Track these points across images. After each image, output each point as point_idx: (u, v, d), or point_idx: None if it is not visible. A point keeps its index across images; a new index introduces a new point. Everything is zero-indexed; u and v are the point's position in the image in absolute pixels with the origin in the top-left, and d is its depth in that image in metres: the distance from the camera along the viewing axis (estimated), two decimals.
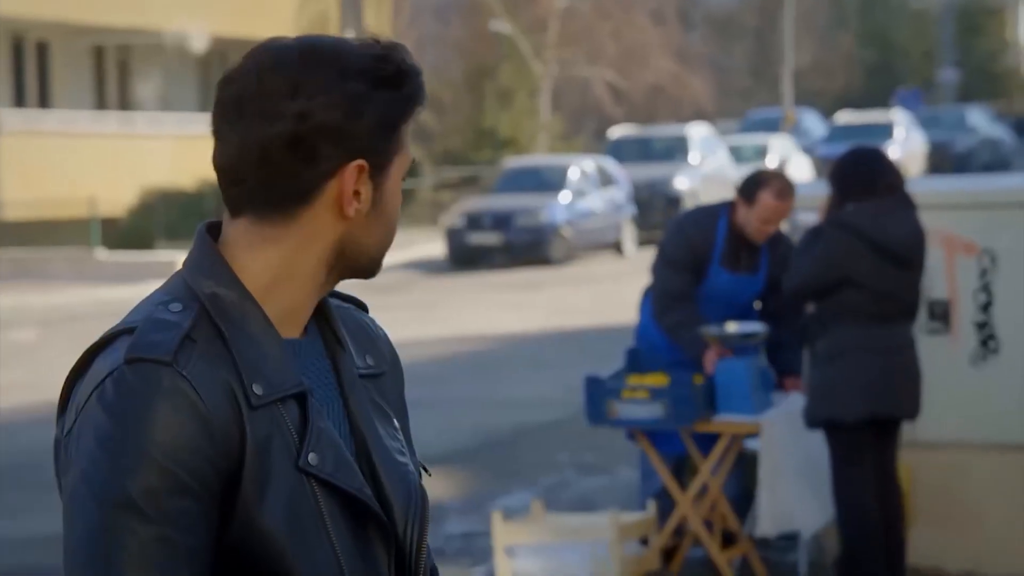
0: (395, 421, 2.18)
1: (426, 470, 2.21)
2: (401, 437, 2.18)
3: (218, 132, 2.06)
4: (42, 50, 31.24)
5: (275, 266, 2.06)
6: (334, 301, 2.19)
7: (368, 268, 2.12)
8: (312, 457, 2.01)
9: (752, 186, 7.56)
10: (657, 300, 7.69)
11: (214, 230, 2.11)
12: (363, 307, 2.25)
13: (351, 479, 2.05)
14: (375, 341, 2.22)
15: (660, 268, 7.73)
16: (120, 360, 1.98)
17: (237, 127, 2.04)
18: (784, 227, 7.94)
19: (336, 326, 2.15)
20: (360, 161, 2.05)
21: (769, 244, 7.69)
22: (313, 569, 2.00)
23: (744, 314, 7.76)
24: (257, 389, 2.00)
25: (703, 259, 7.63)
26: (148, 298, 2.07)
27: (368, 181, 2.07)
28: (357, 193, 2.06)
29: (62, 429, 2.02)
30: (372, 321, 2.24)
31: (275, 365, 2.03)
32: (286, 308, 2.08)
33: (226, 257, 2.07)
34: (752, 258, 7.68)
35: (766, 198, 7.48)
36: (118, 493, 1.93)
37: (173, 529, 1.93)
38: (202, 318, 2.02)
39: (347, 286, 2.20)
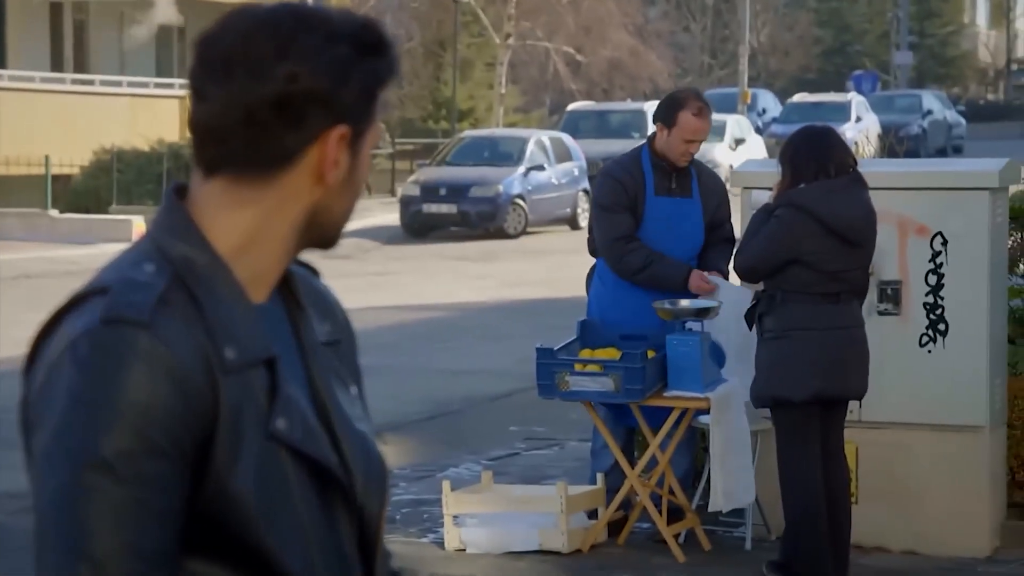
0: (352, 388, 2.17)
1: (382, 438, 2.22)
2: (359, 404, 2.17)
3: (200, 91, 2.03)
4: None
5: (248, 228, 2.04)
6: (291, 266, 2.16)
7: (333, 238, 2.11)
8: (281, 423, 2.00)
9: (670, 109, 7.75)
10: (609, 250, 7.74)
11: (182, 192, 2.08)
12: (316, 272, 2.24)
13: (318, 446, 2.04)
14: (331, 307, 2.20)
15: (599, 219, 7.83)
16: (95, 320, 1.94)
17: (224, 86, 2.01)
18: (742, 203, 8.00)
19: (298, 292, 2.13)
20: (344, 128, 2.04)
21: (697, 174, 7.85)
22: (280, 536, 1.99)
23: (692, 243, 7.81)
24: (230, 354, 1.98)
25: (637, 195, 7.74)
26: (118, 259, 2.04)
27: (346, 149, 2.05)
28: (336, 160, 2.04)
29: (29, 388, 1.99)
30: (326, 286, 2.22)
31: (246, 330, 2.01)
32: (255, 272, 2.06)
33: (195, 219, 2.04)
34: (683, 182, 7.82)
35: (686, 118, 7.67)
36: (92, 453, 1.90)
37: (146, 491, 1.91)
38: (175, 281, 1.99)
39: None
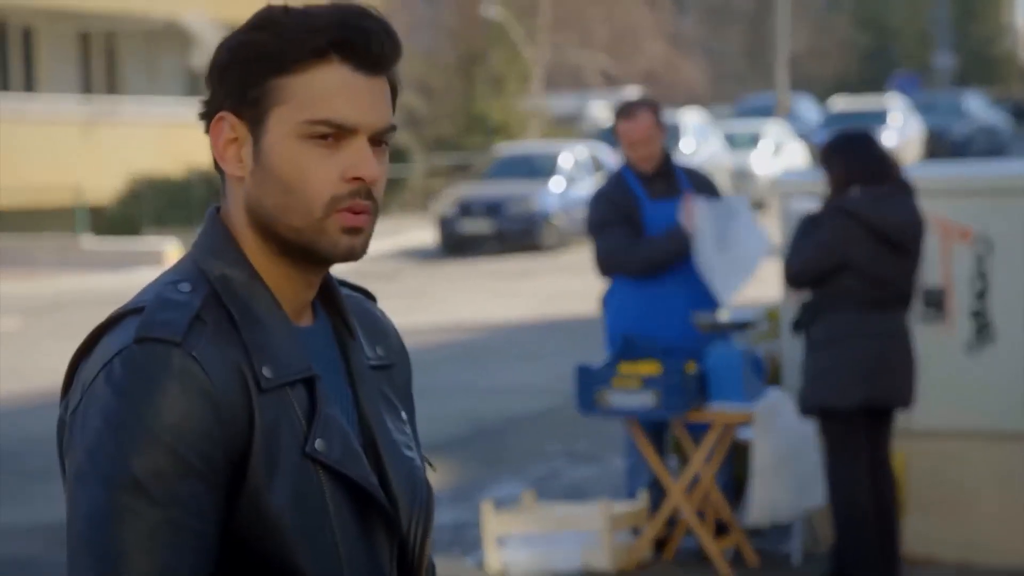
0: (403, 414, 2.15)
1: (430, 464, 2.18)
2: (408, 430, 2.15)
3: None
4: (27, 35, 31.11)
5: (243, 239, 2.06)
6: (344, 290, 2.15)
7: (293, 241, 2.02)
8: (319, 443, 1.98)
9: (614, 124, 7.80)
10: (606, 261, 7.70)
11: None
12: (371, 297, 2.21)
13: (357, 467, 2.02)
14: (385, 332, 2.18)
15: (595, 240, 7.78)
16: (129, 340, 1.94)
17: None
18: (780, 214, 7.88)
19: (347, 315, 2.11)
20: (222, 112, 2.02)
21: (687, 175, 7.81)
22: (313, 555, 1.97)
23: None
24: (267, 372, 1.97)
25: (632, 204, 7.70)
26: (157, 279, 2.04)
27: (248, 136, 2.02)
28: (224, 146, 2.04)
29: (66, 408, 1.99)
30: (381, 311, 2.21)
31: (284, 349, 2.00)
32: (272, 284, 2.05)
33: (234, 235, 2.06)
34: (667, 184, 7.75)
35: (619, 126, 7.72)
36: (125, 474, 1.90)
37: (180, 512, 1.90)
38: (211, 299, 1.99)
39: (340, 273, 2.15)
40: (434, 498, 2.14)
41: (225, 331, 1.97)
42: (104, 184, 28.58)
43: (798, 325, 6.90)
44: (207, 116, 2.04)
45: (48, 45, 31.30)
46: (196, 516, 1.91)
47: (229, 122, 2.02)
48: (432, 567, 2.17)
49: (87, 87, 32.25)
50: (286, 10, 2.02)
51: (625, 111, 7.71)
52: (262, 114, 2.01)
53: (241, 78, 2.00)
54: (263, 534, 1.95)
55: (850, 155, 6.71)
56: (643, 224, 7.66)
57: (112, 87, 32.80)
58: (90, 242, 26.68)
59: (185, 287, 1.99)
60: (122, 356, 1.93)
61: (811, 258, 6.69)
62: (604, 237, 7.69)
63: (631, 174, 7.76)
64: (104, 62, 32.85)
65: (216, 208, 2.09)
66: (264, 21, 2.01)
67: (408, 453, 2.11)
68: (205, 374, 1.93)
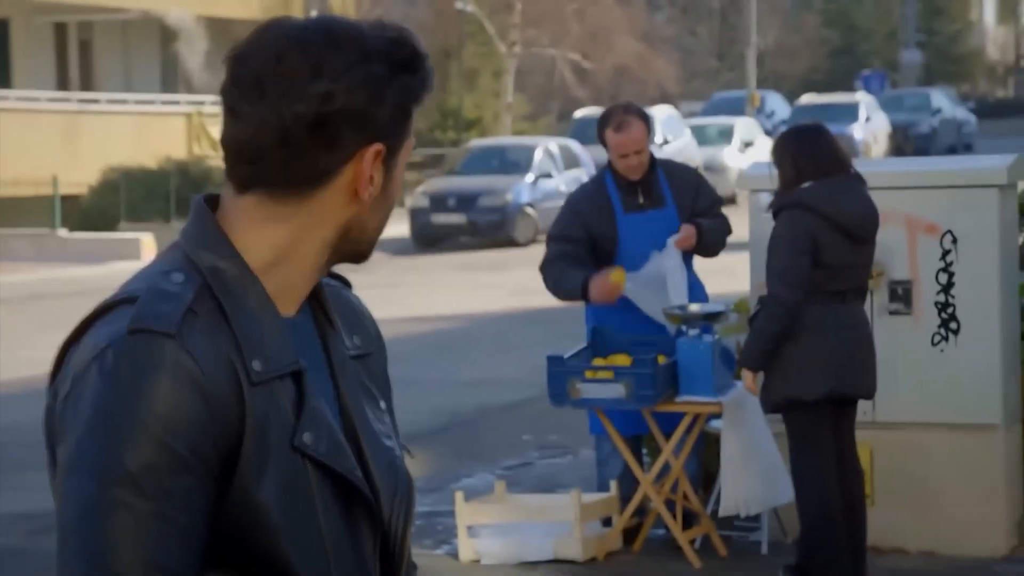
0: (381, 403, 2.16)
1: (409, 452, 2.20)
2: (387, 420, 2.17)
3: (234, 110, 2.02)
4: (2, 27, 31.01)
5: (280, 244, 2.04)
6: (323, 279, 2.17)
7: (365, 252, 2.11)
8: (307, 437, 1.99)
9: (599, 129, 7.71)
10: (542, 271, 7.69)
11: (211, 203, 2.07)
12: (348, 284, 2.23)
13: (344, 461, 2.03)
14: (362, 320, 2.20)
15: (547, 245, 7.78)
16: (122, 330, 1.93)
17: (257, 106, 2.00)
18: (748, 208, 7.94)
19: (327, 306, 2.13)
20: (378, 146, 2.03)
21: (667, 177, 7.73)
22: (299, 548, 1.98)
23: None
24: (257, 365, 1.97)
25: (602, 219, 7.62)
26: (147, 268, 2.04)
27: (381, 166, 2.05)
28: (371, 177, 2.04)
29: (55, 396, 1.98)
30: (357, 299, 2.22)
31: (274, 342, 2.00)
32: (284, 286, 2.05)
33: (226, 231, 2.04)
34: (651, 193, 7.69)
35: (610, 136, 7.63)
36: (116, 467, 1.89)
37: (170, 505, 1.90)
38: (204, 291, 1.98)
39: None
40: (414, 488, 2.15)
41: (217, 324, 1.97)
42: (80, 176, 28.49)
43: (756, 319, 6.92)
44: (353, 145, 2.03)
45: (23, 38, 31.20)
46: (186, 509, 1.91)
47: (379, 153, 2.05)
48: (413, 567, 2.20)
49: (63, 79, 32.15)
50: (410, 41, 2.05)
51: (616, 123, 7.58)
52: (400, 146, 2.07)
53: (398, 115, 2.05)
54: (251, 526, 1.95)
55: (799, 149, 6.70)
56: (617, 238, 7.66)
57: (88, 79, 32.71)
58: (66, 234, 26.63)
59: (178, 277, 1.98)
60: (115, 347, 1.92)
61: (790, 262, 6.59)
62: (549, 250, 7.70)
63: (612, 182, 7.69)
64: (79, 54, 32.76)
65: (203, 198, 2.07)
66: (405, 59, 2.04)
67: (388, 443, 2.12)
68: (198, 367, 1.92)
